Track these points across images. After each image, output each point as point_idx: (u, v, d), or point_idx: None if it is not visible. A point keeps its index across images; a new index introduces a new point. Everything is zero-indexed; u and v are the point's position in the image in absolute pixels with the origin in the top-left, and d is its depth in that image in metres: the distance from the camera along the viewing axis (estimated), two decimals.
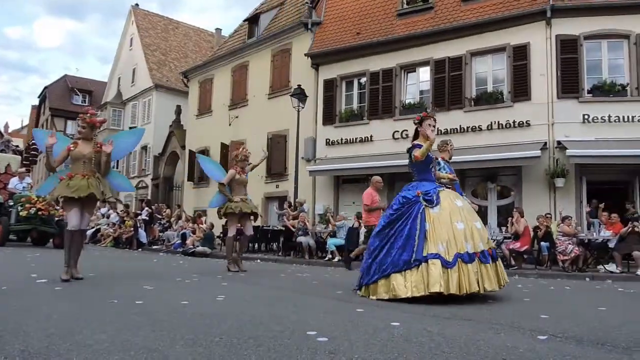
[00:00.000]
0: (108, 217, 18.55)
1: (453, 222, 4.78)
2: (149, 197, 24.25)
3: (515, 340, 2.93)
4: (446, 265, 4.50)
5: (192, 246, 13.96)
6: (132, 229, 16.30)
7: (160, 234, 16.92)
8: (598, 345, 2.87)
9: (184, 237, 15.05)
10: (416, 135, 5.38)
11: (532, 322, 3.56)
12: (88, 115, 5.79)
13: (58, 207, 13.21)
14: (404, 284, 4.57)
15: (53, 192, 5.67)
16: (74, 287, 4.96)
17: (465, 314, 3.89)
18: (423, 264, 4.54)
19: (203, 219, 15.70)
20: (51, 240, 13.21)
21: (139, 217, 16.76)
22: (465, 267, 4.54)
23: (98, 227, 17.81)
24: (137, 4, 31.72)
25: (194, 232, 14.77)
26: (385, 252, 4.79)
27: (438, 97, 14.32)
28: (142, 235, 16.27)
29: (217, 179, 8.04)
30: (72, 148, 5.61)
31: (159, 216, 17.70)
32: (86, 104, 35.52)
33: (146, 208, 17.71)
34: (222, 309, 3.82)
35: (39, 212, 12.11)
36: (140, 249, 15.79)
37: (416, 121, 5.36)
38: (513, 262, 10.38)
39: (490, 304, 4.65)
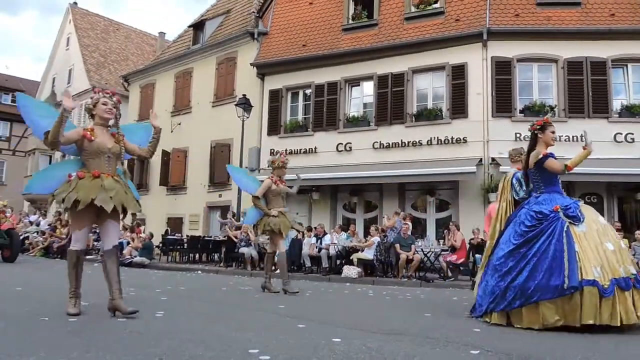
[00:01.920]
0: (38, 224, 17.62)
1: (603, 242, 4.24)
2: None
3: (450, 356, 3.06)
4: (603, 293, 3.96)
5: (129, 256, 13.50)
6: (64, 237, 15.56)
7: (95, 243, 16.22)
8: (524, 359, 3.04)
9: (120, 246, 14.52)
10: (534, 143, 4.82)
11: (466, 336, 3.72)
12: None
13: (8, 214, 12.10)
14: (555, 311, 4.06)
15: (61, 194, 3.97)
16: None
17: (404, 329, 4.01)
18: (578, 291, 4.01)
19: (142, 228, 15.24)
20: None
21: None
22: (622, 295, 4.03)
23: (26, 235, 16.86)
24: (75, 2, 30.47)
25: (132, 241, 14.29)
26: (527, 276, 4.21)
27: (381, 111, 14.68)
28: None
29: (250, 191, 7.14)
30: (90, 136, 4.09)
31: (94, 225, 16.99)
32: (16, 104, 33.62)
33: None
34: (161, 327, 3.74)
35: None
36: None
37: (538, 126, 4.83)
38: (450, 274, 10.76)
39: (427, 319, 4.81)
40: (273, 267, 7.59)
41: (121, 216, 4.26)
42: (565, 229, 4.27)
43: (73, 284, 4.11)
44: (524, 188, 5.20)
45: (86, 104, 4.25)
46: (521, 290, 4.20)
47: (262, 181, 7.15)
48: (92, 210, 3.98)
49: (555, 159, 4.65)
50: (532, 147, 4.81)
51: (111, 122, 4.34)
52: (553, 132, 4.81)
